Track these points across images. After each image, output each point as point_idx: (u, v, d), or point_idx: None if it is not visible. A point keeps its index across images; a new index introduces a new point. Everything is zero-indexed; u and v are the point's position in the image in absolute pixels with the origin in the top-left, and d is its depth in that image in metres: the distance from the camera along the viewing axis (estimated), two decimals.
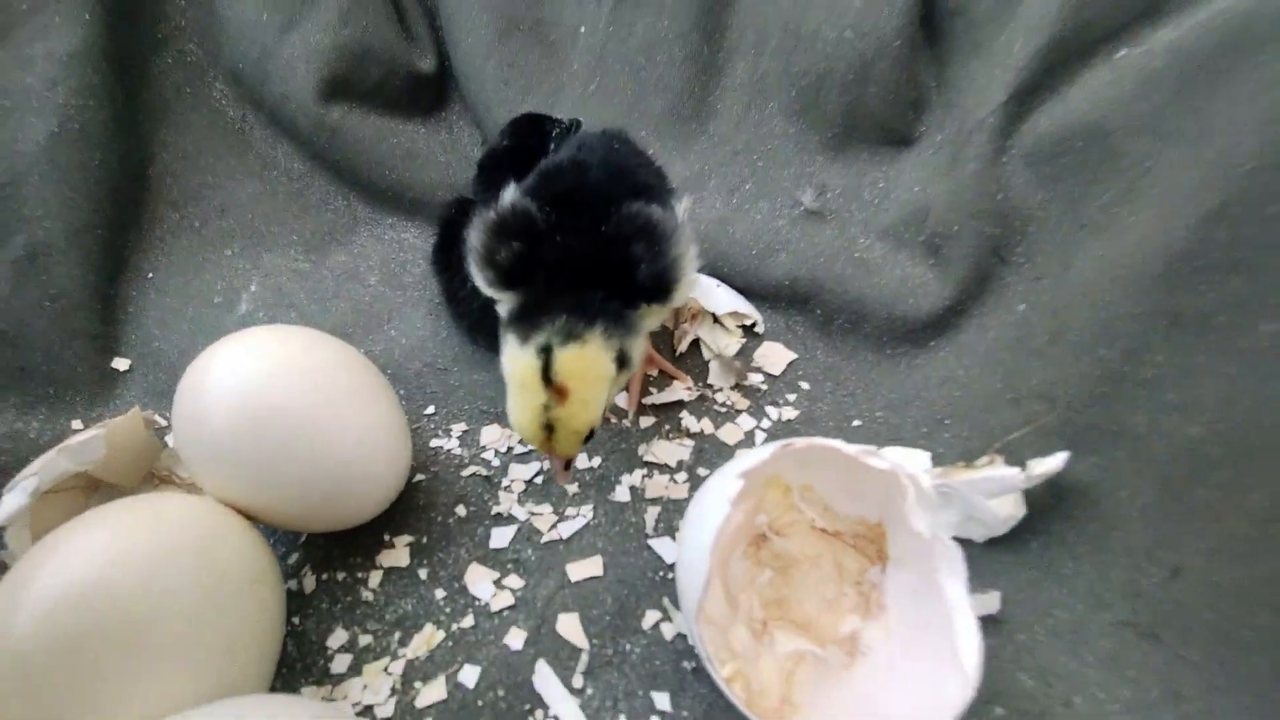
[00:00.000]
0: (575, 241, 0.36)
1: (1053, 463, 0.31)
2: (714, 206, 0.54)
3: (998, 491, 0.32)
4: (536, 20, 0.58)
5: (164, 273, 0.53)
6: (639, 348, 0.36)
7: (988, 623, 0.31)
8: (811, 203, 0.50)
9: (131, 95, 0.54)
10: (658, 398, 0.46)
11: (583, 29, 0.58)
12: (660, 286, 0.36)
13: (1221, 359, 0.28)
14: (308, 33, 0.56)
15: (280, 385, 0.36)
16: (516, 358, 0.33)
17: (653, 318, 0.38)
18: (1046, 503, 0.33)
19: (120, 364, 0.49)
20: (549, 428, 0.32)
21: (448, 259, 0.51)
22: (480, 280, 0.38)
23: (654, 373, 0.47)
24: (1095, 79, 0.38)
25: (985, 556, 0.33)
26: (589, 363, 0.32)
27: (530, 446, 0.43)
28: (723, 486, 0.27)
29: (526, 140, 0.53)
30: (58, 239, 0.48)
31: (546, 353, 0.32)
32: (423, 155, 0.61)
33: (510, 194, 0.39)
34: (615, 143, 0.43)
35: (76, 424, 0.46)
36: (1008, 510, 0.33)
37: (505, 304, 0.37)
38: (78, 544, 0.30)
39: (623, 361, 0.34)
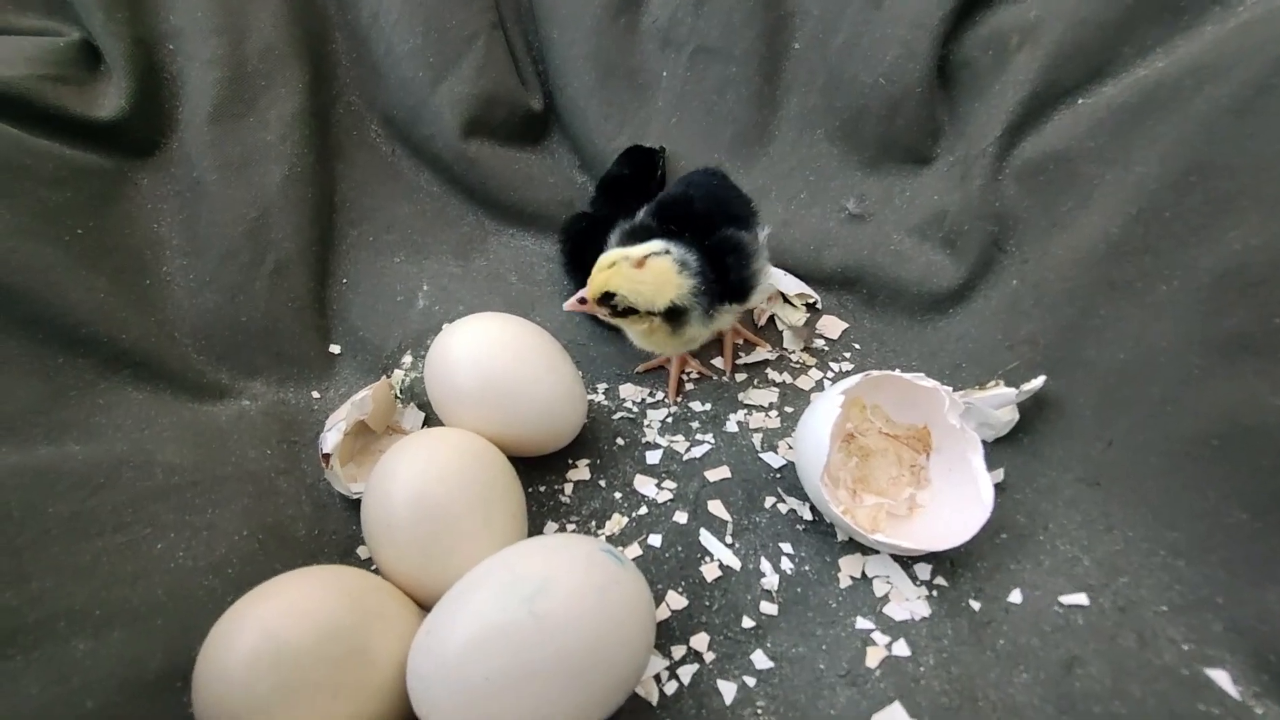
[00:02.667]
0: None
1: (1035, 383, 0.48)
2: (776, 212, 0.70)
3: (1000, 404, 0.48)
4: (629, 68, 0.74)
5: (354, 278, 0.69)
6: (714, 325, 0.52)
7: (995, 488, 0.47)
8: (854, 208, 0.66)
9: (323, 140, 0.70)
10: (748, 360, 0.62)
11: (665, 74, 0.74)
12: (742, 289, 0.52)
13: (1137, 310, 0.45)
14: (452, 85, 0.72)
15: (500, 352, 0.52)
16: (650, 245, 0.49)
17: (729, 316, 0.54)
18: (1032, 411, 0.49)
19: (335, 349, 0.65)
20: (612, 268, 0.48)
21: (580, 261, 0.67)
22: None
23: (741, 341, 0.64)
24: (1062, 121, 0.54)
25: (993, 449, 0.49)
26: (666, 266, 0.48)
27: (660, 396, 0.60)
28: (832, 400, 0.43)
29: (636, 167, 0.69)
30: (293, 256, 0.63)
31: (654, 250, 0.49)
32: (536, 178, 0.77)
33: (640, 214, 0.56)
34: (715, 179, 0.59)
35: (315, 394, 0.62)
36: (1007, 417, 0.49)
37: None
38: (411, 463, 0.46)
39: (675, 315, 0.49)
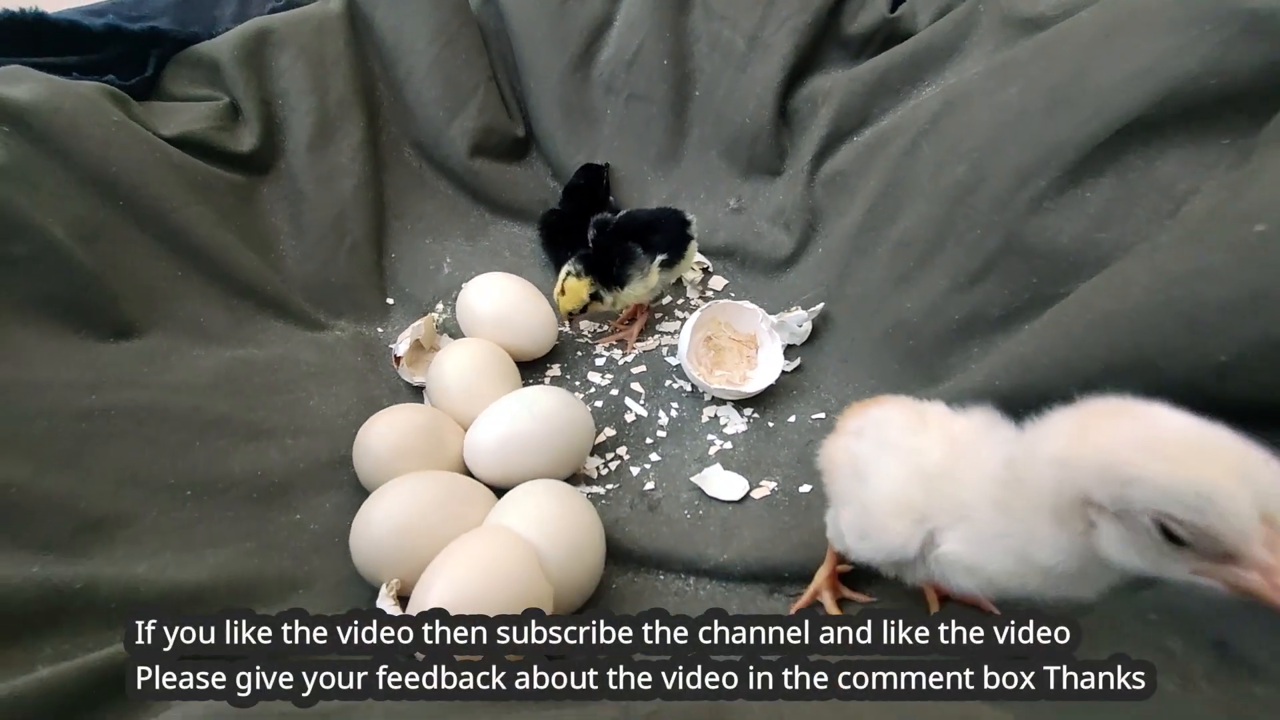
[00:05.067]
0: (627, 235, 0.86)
1: (817, 308, 0.82)
2: (685, 207, 1.04)
3: (800, 322, 0.83)
4: (583, 107, 1.07)
5: (398, 254, 1.01)
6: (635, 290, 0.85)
7: (795, 370, 0.82)
8: (734, 205, 1.00)
9: (376, 160, 1.02)
10: (663, 303, 0.96)
11: (609, 111, 1.07)
12: (620, 281, 0.84)
13: (866, 264, 0.79)
14: (462, 121, 1.04)
15: (507, 294, 0.86)
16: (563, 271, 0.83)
17: (654, 277, 0.87)
18: (820, 324, 0.84)
19: (390, 300, 0.97)
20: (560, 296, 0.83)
21: (552, 243, 1.00)
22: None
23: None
24: (844, 151, 0.88)
25: (798, 349, 0.84)
26: (574, 282, 0.82)
27: (604, 328, 0.93)
28: (695, 316, 0.77)
29: (589, 178, 1.02)
30: (361, 239, 0.95)
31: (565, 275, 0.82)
32: (521, 184, 1.09)
33: (611, 218, 0.88)
34: (667, 215, 0.88)
35: (379, 329, 0.94)
36: (804, 328, 0.83)
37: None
38: (454, 354, 0.79)
39: (594, 299, 0.84)
